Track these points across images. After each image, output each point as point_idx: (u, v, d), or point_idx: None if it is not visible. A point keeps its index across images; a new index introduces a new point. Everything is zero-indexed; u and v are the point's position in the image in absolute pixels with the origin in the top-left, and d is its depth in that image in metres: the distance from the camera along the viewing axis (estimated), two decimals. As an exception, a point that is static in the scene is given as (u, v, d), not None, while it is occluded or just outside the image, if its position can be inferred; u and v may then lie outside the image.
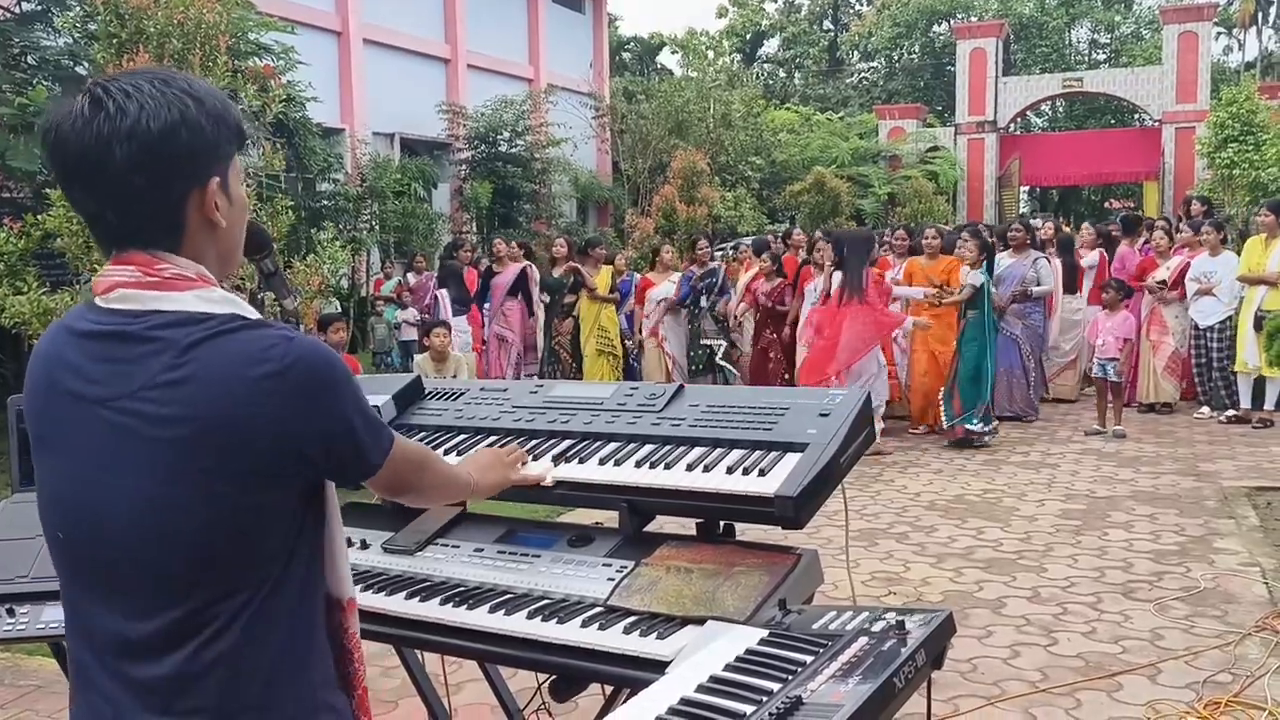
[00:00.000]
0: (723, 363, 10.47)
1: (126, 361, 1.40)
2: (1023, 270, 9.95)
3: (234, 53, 8.52)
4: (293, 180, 13.10)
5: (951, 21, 36.00)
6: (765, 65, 43.61)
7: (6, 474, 6.61)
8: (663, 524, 2.37)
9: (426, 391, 2.79)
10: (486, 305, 11.14)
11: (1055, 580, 5.51)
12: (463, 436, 2.57)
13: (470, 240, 13.65)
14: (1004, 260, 10.17)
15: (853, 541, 6.15)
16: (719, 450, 2.24)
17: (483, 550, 2.35)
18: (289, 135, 12.22)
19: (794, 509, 2.01)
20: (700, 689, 1.57)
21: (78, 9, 9.17)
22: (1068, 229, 15.03)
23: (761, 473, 2.10)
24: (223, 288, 1.51)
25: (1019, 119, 30.46)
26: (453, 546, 2.39)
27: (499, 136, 18.46)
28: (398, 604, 2.19)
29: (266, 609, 1.43)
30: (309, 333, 7.92)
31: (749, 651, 1.68)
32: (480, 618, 2.08)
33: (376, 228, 15.19)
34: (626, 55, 35.13)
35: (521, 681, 3.39)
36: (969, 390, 8.98)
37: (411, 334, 11.65)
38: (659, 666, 1.82)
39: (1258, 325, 9.03)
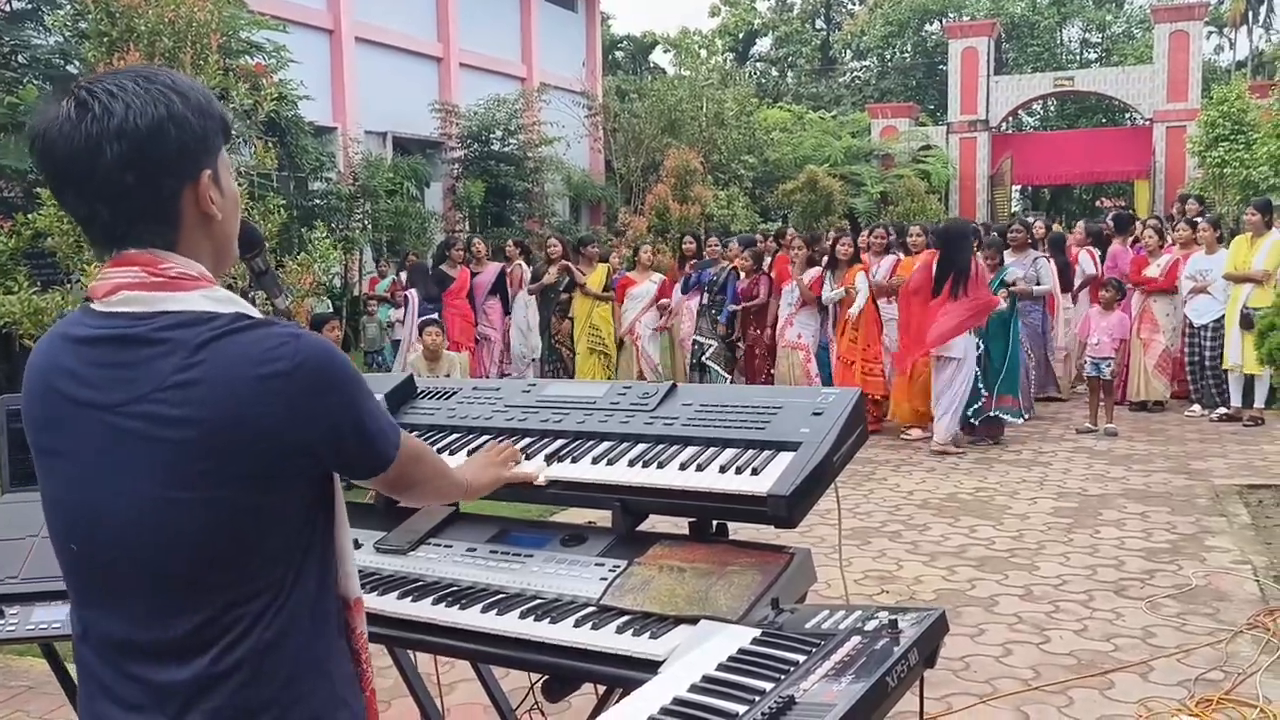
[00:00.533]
0: (709, 362, 10.47)
1: (133, 365, 1.39)
2: (1023, 269, 9.96)
3: (225, 51, 8.50)
4: (285, 179, 13.08)
5: (943, 21, 36.06)
6: (758, 64, 43.63)
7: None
8: (655, 523, 2.37)
9: (419, 391, 2.79)
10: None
11: (1047, 578, 5.52)
12: (455, 435, 2.57)
13: (462, 239, 13.62)
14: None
15: (845, 540, 6.15)
16: (712, 449, 2.24)
17: (475, 550, 2.34)
18: (281, 134, 12.19)
19: (787, 508, 2.01)
20: (693, 689, 1.57)
21: (68, 7, 9.16)
22: (1059, 227, 15.04)
23: (754, 472, 2.10)
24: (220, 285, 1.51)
25: (1011, 118, 30.50)
26: (445, 546, 2.39)
27: (492, 135, 18.45)
28: (390, 604, 2.18)
29: (287, 609, 1.43)
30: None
31: (742, 651, 1.68)
32: (473, 618, 2.08)
33: (369, 227, 15.16)
34: (619, 54, 35.13)
35: (514, 681, 3.39)
36: (1001, 384, 9.07)
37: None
38: (652, 666, 1.82)
39: (1244, 323, 9.06)
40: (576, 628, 1.98)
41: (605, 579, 2.12)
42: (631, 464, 2.26)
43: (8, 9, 9.92)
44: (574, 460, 2.33)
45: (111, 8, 7.31)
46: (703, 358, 10.54)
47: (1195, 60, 26.54)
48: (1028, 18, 37.15)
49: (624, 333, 10.85)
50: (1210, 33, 37.21)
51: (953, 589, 5.41)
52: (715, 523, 2.33)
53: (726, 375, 10.52)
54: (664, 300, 10.88)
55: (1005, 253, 10.15)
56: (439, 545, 2.40)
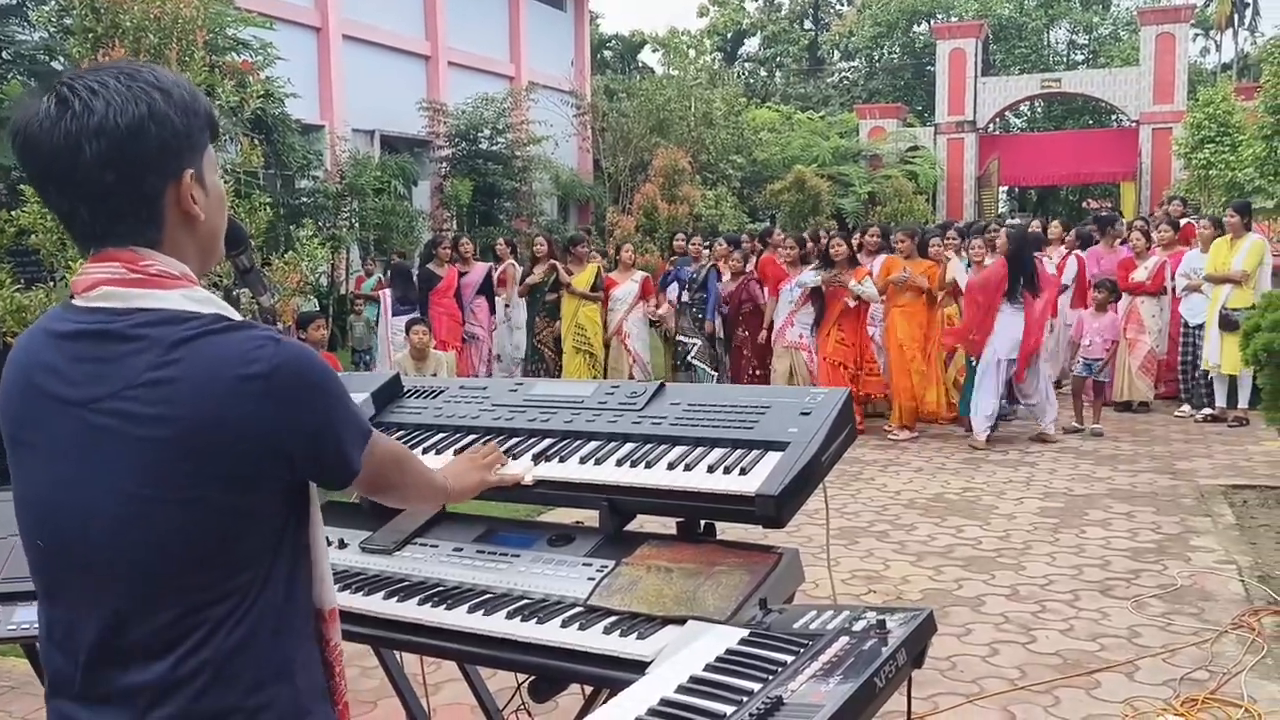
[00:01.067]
0: (695, 360, 10.47)
1: (108, 361, 1.38)
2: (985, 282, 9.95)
3: (211, 48, 8.44)
4: (271, 177, 13.02)
5: (931, 22, 36.13)
6: (746, 64, 43.65)
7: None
8: (643, 523, 2.36)
9: (406, 389, 2.77)
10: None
11: (1034, 578, 5.54)
12: (441, 435, 2.56)
13: (449, 238, 13.57)
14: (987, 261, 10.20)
15: (833, 540, 6.16)
16: (700, 449, 2.23)
17: (462, 550, 2.33)
18: (267, 132, 12.13)
19: (775, 508, 2.00)
20: (680, 689, 1.56)
21: (53, 3, 9.08)
22: (1036, 227, 15.03)
23: (743, 471, 2.09)
24: (202, 285, 1.50)
25: (998, 119, 30.58)
26: (431, 546, 2.38)
27: (480, 134, 18.39)
28: (376, 604, 2.17)
29: (253, 614, 1.41)
30: (287, 330, 7.87)
31: (729, 651, 1.68)
32: (459, 618, 2.06)
33: (356, 225, 15.09)
34: (608, 53, 35.11)
35: (501, 681, 3.37)
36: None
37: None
38: (639, 667, 1.81)
39: (1224, 324, 9.11)
40: (564, 628, 1.97)
41: (593, 579, 2.11)
42: (619, 463, 2.25)
43: (-8, 4, 9.84)
44: (561, 460, 2.32)
45: (96, 3, 7.26)
46: (688, 357, 10.55)
47: (1181, 62, 26.65)
48: (1015, 19, 37.26)
49: (612, 333, 10.85)
50: (1196, 35, 37.41)
51: (939, 589, 5.42)
52: (703, 522, 2.32)
53: (714, 373, 10.52)
54: (662, 310, 10.86)
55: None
56: (425, 545, 2.38)
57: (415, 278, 11.50)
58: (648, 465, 2.21)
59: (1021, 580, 5.51)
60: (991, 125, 29.60)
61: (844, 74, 42.33)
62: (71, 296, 1.46)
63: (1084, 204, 32.19)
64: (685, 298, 10.74)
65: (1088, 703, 4.05)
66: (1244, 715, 3.86)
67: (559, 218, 21.01)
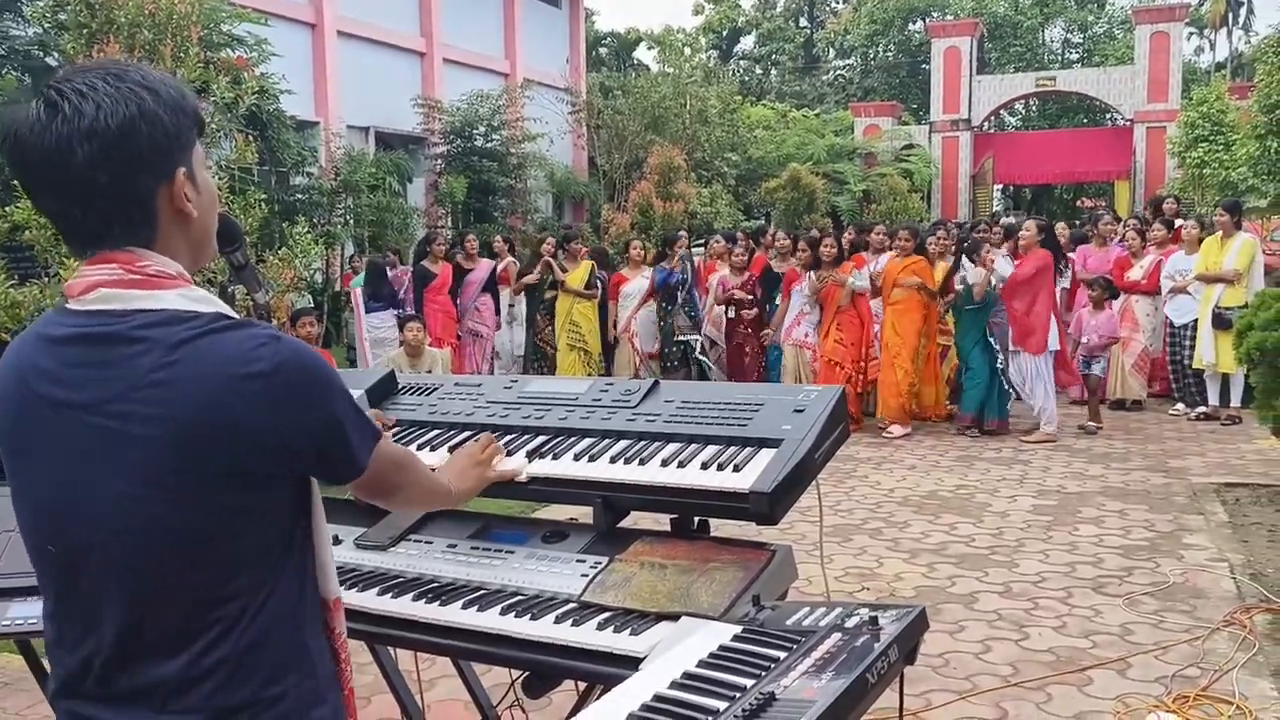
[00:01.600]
0: (701, 357, 10.48)
1: (110, 364, 1.38)
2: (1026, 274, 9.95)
3: (206, 44, 8.44)
4: (265, 173, 12.99)
5: (927, 20, 36.14)
6: (741, 62, 43.66)
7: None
8: (636, 520, 2.37)
9: (400, 386, 2.77)
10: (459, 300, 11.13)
11: (1027, 575, 5.55)
12: (436, 432, 2.56)
13: (445, 235, 13.55)
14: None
15: (826, 537, 6.17)
16: (693, 446, 2.24)
17: (456, 546, 2.34)
18: (262, 128, 12.12)
19: (768, 504, 2.01)
20: (674, 685, 1.57)
21: (47, -1, 9.07)
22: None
23: (736, 468, 2.10)
24: (195, 282, 1.50)
25: (993, 117, 30.60)
26: (425, 542, 2.38)
27: (475, 131, 18.37)
28: (370, 600, 2.18)
29: (267, 609, 1.42)
30: (281, 327, 7.86)
31: (722, 648, 1.68)
32: (453, 614, 2.07)
33: (351, 222, 15.07)
34: (603, 50, 35.06)
35: (495, 677, 3.38)
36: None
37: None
38: (632, 663, 1.82)
39: (1218, 323, 9.14)
40: (557, 624, 1.97)
41: (586, 575, 2.12)
42: (613, 460, 2.25)
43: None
44: (555, 457, 2.32)
45: (91, -1, 7.27)
46: (694, 355, 10.55)
47: (1176, 61, 26.71)
48: (1010, 17, 37.30)
49: (620, 330, 10.85)
50: (1190, 34, 37.47)
51: (933, 586, 5.43)
52: (697, 519, 2.33)
53: (715, 368, 10.55)
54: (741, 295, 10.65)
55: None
56: (419, 541, 2.39)
57: (410, 275, 11.49)
58: (641, 462, 2.22)
59: (1014, 577, 5.52)
60: (986, 124, 29.64)
61: (839, 72, 42.35)
62: (65, 298, 1.46)
63: (1078, 203, 32.24)
64: (680, 298, 10.74)
65: (1080, 699, 4.07)
66: (1235, 712, 3.87)
67: (554, 215, 20.99)
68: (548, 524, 2.38)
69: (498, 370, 11.53)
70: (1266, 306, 6.73)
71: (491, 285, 11.59)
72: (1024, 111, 37.21)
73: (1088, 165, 28.26)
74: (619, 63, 34.07)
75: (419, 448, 2.49)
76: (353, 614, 2.15)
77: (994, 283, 9.23)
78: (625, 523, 2.33)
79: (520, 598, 2.10)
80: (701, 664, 1.63)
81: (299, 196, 14.28)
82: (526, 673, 2.11)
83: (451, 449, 2.43)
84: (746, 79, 40.48)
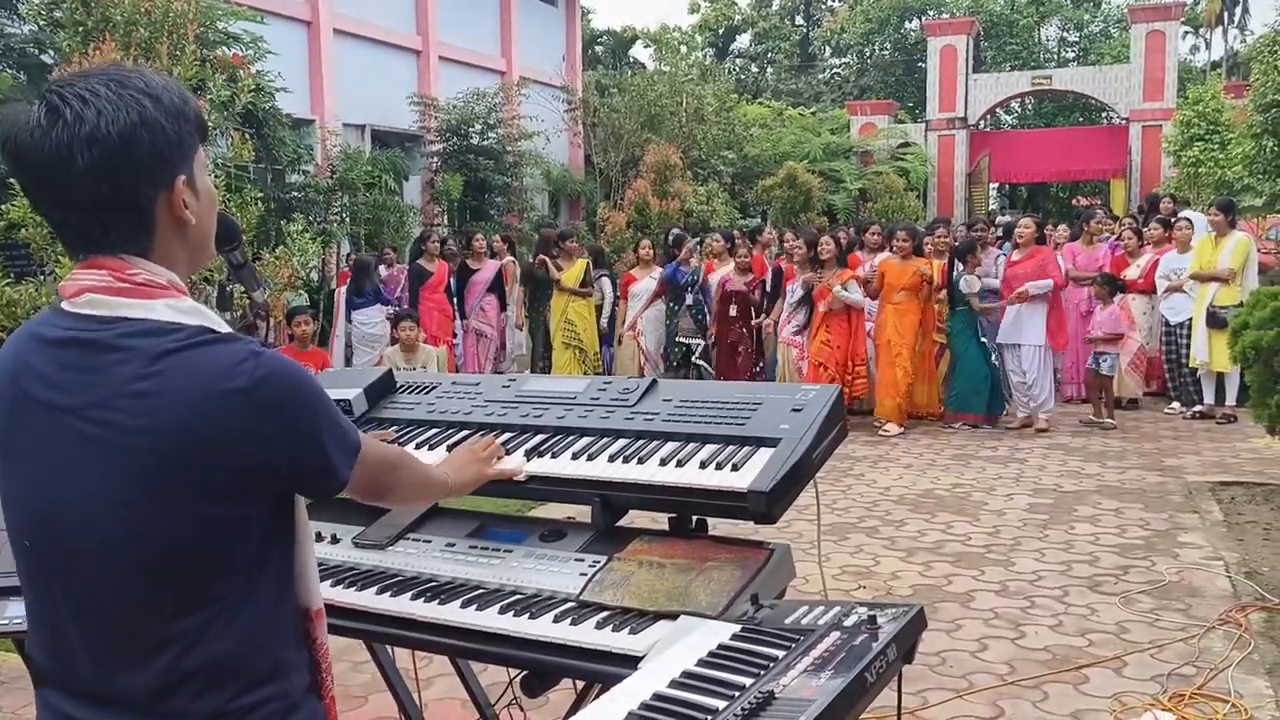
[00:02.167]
0: (699, 361, 10.48)
1: (94, 370, 1.39)
2: (986, 269, 10.01)
3: (202, 42, 8.42)
4: (261, 171, 12.95)
5: (923, 18, 36.13)
6: (737, 60, 43.61)
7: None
8: (633, 518, 2.37)
9: (399, 385, 2.77)
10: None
11: (1023, 574, 5.56)
12: (434, 431, 2.56)
13: (440, 232, 13.53)
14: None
15: (823, 535, 6.18)
16: (692, 445, 2.24)
17: (454, 545, 2.34)
18: (258, 126, 12.07)
19: (767, 504, 2.01)
20: (673, 684, 1.57)
21: (42, -5, 9.04)
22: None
23: (734, 468, 2.10)
24: (190, 286, 1.50)
25: (989, 116, 30.59)
26: (424, 541, 2.38)
27: (471, 129, 18.33)
28: (369, 599, 2.18)
29: (242, 618, 1.42)
30: (278, 325, 7.85)
31: (721, 646, 1.69)
32: (452, 613, 2.07)
33: (347, 220, 15.05)
34: (599, 49, 35.02)
35: (493, 676, 3.38)
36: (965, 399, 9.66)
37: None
38: (631, 662, 1.82)
39: (1212, 321, 9.16)
40: (556, 623, 1.97)
41: (585, 574, 2.12)
42: (611, 459, 2.25)
43: (-20, -3, 9.80)
44: (554, 455, 2.33)
45: (87, -4, 7.24)
46: (694, 358, 10.55)
47: (1171, 60, 26.71)
48: (1006, 16, 37.28)
49: (627, 329, 10.86)
50: (1186, 33, 37.50)
51: (929, 584, 5.44)
52: (695, 518, 2.33)
53: (712, 372, 10.55)
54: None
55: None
56: (418, 540, 2.39)
57: (406, 273, 11.49)
58: (640, 461, 2.22)
59: (1011, 576, 5.53)
60: (982, 122, 29.64)
61: (835, 70, 42.34)
62: (60, 300, 1.47)
63: (1073, 201, 32.25)
64: (689, 300, 10.69)
65: (1076, 698, 4.08)
66: (1230, 710, 3.88)
67: (550, 213, 20.96)
68: (546, 523, 2.38)
69: (508, 369, 11.57)
70: (1261, 305, 6.74)
71: (498, 285, 11.61)
72: (1020, 110, 37.21)
73: (1083, 164, 28.27)
74: (615, 61, 34.04)
75: (417, 446, 2.49)
76: (351, 613, 2.16)
77: (978, 288, 9.35)
78: (623, 521, 2.33)
79: (519, 596, 2.11)
80: (701, 663, 1.63)
81: (295, 194, 14.24)
82: (525, 671, 2.11)
83: (449, 448, 2.43)
84: (742, 77, 40.45)
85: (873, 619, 1.68)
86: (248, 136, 8.74)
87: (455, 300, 11.43)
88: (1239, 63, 36.95)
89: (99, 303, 1.40)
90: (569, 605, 2.04)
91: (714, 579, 2.01)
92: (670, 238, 11.44)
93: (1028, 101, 35.32)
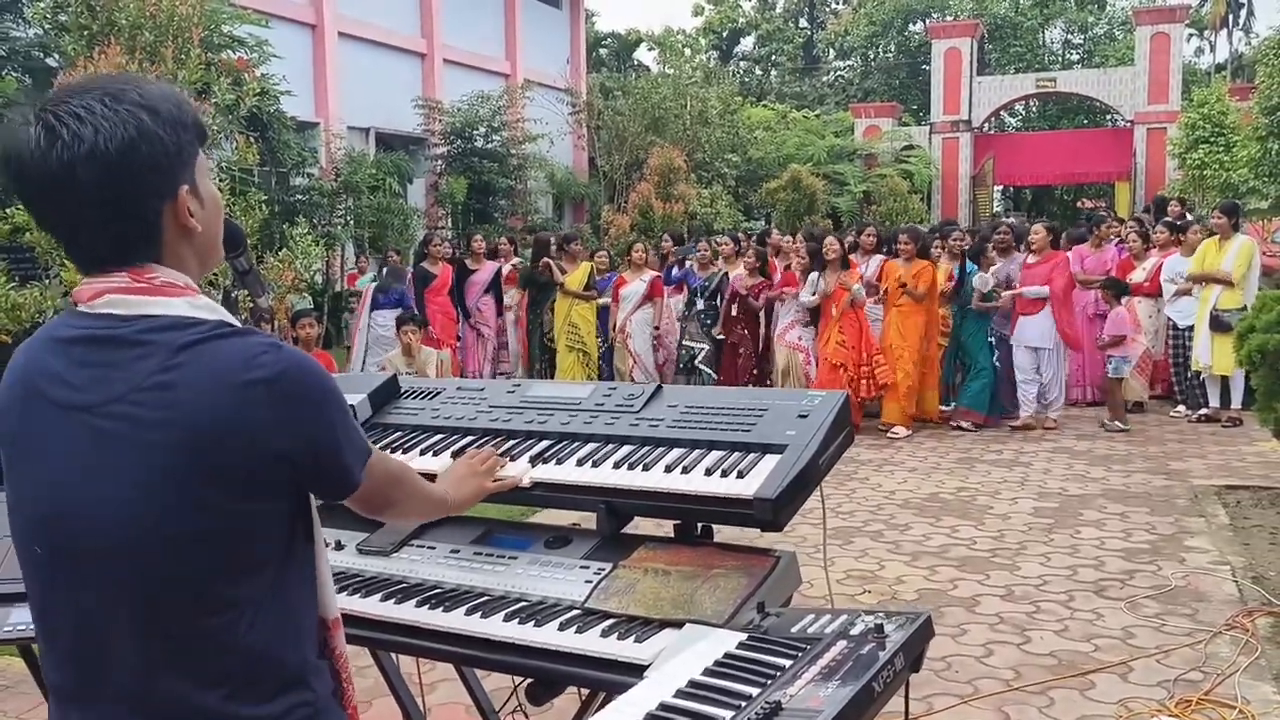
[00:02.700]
0: (701, 365, 10.47)
1: (113, 365, 1.38)
2: (1009, 271, 10.02)
3: (207, 45, 8.42)
4: (266, 174, 12.99)
5: (927, 21, 36.13)
6: (741, 63, 43.62)
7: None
8: (638, 525, 2.36)
9: (403, 390, 2.77)
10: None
11: (1028, 578, 5.54)
12: (439, 436, 2.56)
13: (443, 235, 13.54)
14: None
15: (828, 540, 6.16)
16: (698, 451, 2.23)
17: (459, 552, 2.33)
18: (263, 129, 12.11)
19: (773, 511, 2.01)
20: (679, 694, 1.57)
21: (48, 0, 9.05)
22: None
23: (740, 474, 2.09)
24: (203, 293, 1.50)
25: (993, 118, 30.58)
26: (428, 548, 2.37)
27: (475, 132, 18.37)
28: (373, 606, 2.17)
29: (265, 621, 1.41)
30: (281, 328, 7.85)
31: (727, 655, 1.68)
32: (457, 620, 2.06)
33: (351, 223, 15.07)
34: (603, 51, 35.06)
35: (497, 681, 3.37)
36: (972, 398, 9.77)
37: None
38: (637, 670, 1.81)
39: (1215, 325, 9.14)
40: (561, 631, 1.97)
41: (590, 582, 2.11)
42: (617, 466, 2.25)
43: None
44: (559, 462, 2.32)
45: (92, 1, 7.24)
46: (694, 361, 10.53)
47: (1176, 62, 26.69)
48: (1011, 18, 37.28)
49: (616, 331, 10.84)
50: (1191, 35, 37.46)
51: (934, 589, 5.42)
52: (700, 525, 2.32)
53: (718, 378, 10.53)
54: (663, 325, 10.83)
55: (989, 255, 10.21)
56: (423, 547, 2.38)
57: (410, 276, 11.49)
58: (645, 468, 2.21)
59: (1016, 581, 5.51)
60: (986, 124, 29.62)
61: (839, 73, 42.34)
62: (74, 304, 1.47)
63: (1078, 204, 32.23)
64: (700, 305, 10.64)
65: (1082, 704, 4.06)
66: (1238, 716, 3.86)
67: (554, 216, 20.99)
68: (550, 529, 2.37)
69: (503, 371, 11.57)
70: (1268, 309, 6.72)
71: (495, 286, 11.61)
72: (1024, 112, 37.18)
73: (1088, 166, 28.25)
74: (619, 64, 34.07)
75: (421, 453, 2.48)
76: (356, 620, 2.15)
77: (991, 286, 9.39)
78: (628, 528, 2.32)
79: (524, 604, 2.10)
80: (707, 672, 1.63)
81: (299, 198, 14.28)
82: (530, 679, 2.10)
83: (454, 454, 2.42)
84: (746, 80, 40.46)
85: (880, 628, 1.66)
86: (252, 140, 8.76)
87: (458, 302, 11.43)
88: (1243, 65, 36.92)
89: (119, 302, 1.41)
90: (574, 613, 2.03)
91: (720, 587, 2.00)
92: (677, 240, 11.46)
93: (1032, 104, 35.29)
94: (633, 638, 1.90)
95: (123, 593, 1.38)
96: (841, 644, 1.65)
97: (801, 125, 27.24)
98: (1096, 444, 8.94)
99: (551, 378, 10.71)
